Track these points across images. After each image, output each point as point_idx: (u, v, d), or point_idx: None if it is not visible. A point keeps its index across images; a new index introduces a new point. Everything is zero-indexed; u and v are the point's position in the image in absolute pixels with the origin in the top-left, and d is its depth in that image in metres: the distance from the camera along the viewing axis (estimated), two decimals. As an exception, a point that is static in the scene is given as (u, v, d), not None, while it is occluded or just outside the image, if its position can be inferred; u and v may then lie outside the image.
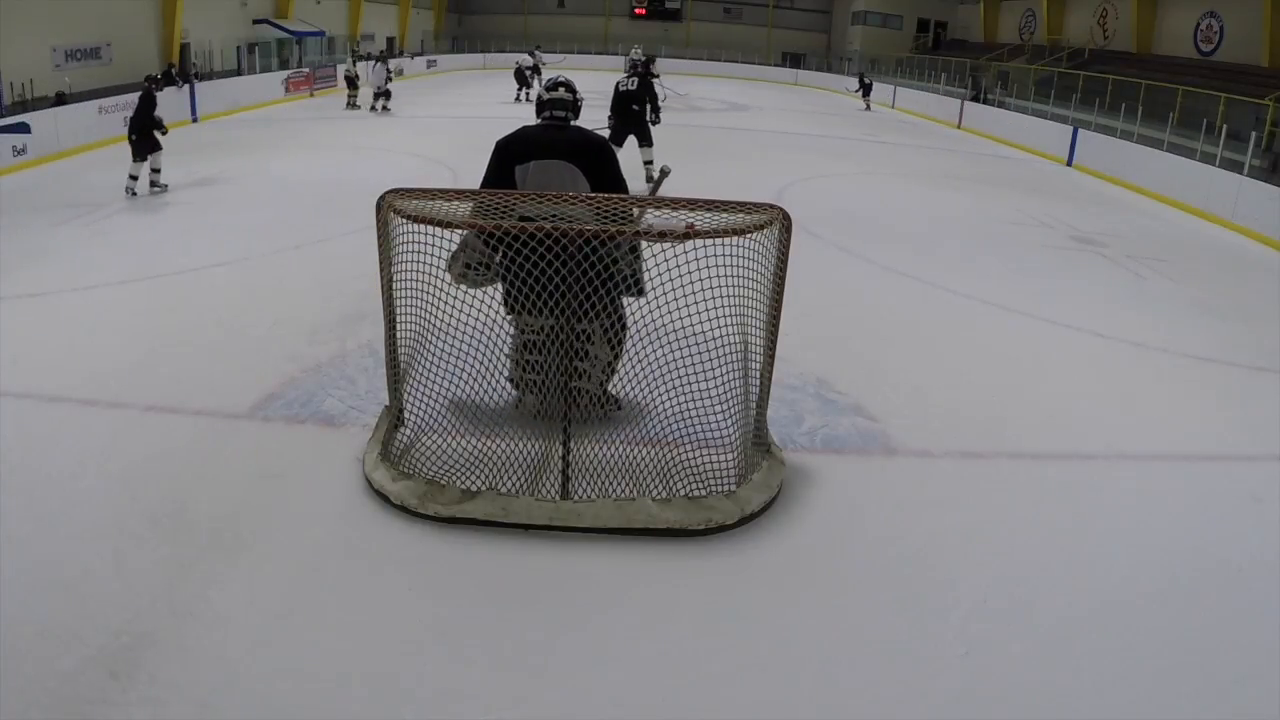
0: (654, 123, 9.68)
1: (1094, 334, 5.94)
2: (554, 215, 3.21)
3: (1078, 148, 15.04)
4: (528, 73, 20.90)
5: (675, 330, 3.39)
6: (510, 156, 3.78)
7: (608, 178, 3.76)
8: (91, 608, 2.77)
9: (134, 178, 9.30)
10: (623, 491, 3.42)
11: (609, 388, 3.84)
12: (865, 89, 24.47)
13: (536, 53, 24.12)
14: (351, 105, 18.15)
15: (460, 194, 3.50)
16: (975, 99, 21.35)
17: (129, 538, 3.15)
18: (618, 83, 9.74)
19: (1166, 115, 14.65)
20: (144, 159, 9.28)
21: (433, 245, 3.27)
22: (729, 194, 3.70)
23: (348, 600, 2.89)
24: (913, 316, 6.12)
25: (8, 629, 2.66)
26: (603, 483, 3.43)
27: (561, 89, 3.94)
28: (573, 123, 3.93)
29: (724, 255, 3.27)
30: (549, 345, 3.35)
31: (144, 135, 9.24)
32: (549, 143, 3.77)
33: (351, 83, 18.53)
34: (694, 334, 3.38)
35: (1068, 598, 3.09)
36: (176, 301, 5.73)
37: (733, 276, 3.33)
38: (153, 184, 9.43)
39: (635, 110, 9.49)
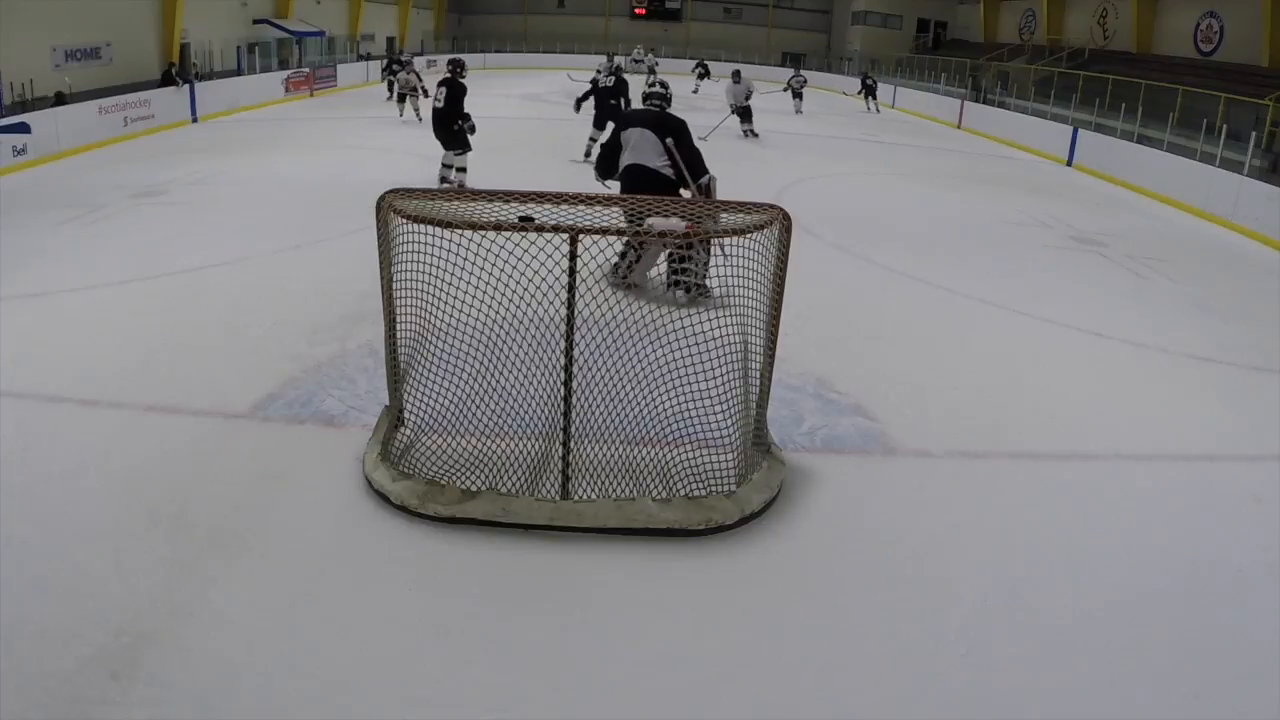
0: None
1: (1094, 334, 5.95)
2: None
3: (1078, 148, 15.03)
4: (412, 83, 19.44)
5: (675, 330, 3.40)
6: (621, 123, 5.89)
7: (684, 145, 5.67)
8: (91, 608, 2.77)
9: (447, 166, 9.13)
10: (623, 491, 3.42)
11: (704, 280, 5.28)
12: (869, 90, 23.32)
13: (623, 59, 20.65)
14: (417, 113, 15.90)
15: (460, 194, 3.51)
16: (975, 99, 21.34)
17: (129, 538, 3.15)
18: (595, 79, 12.44)
19: (1166, 115, 14.65)
20: (460, 151, 9.05)
21: (433, 245, 3.27)
22: (729, 194, 3.72)
23: (348, 600, 2.89)
24: (912, 316, 6.12)
25: (8, 629, 2.66)
26: (603, 483, 3.43)
27: (659, 86, 6.23)
28: (666, 109, 6.05)
29: (724, 255, 3.28)
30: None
31: (449, 128, 8.99)
32: (644, 119, 5.81)
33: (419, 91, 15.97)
34: (694, 334, 3.38)
35: (1068, 598, 3.09)
36: (176, 301, 5.73)
37: (733, 276, 3.33)
38: (443, 179, 9.12)
39: (613, 104, 11.37)
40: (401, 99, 16.36)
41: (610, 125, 11.28)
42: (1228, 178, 11.04)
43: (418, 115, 15.66)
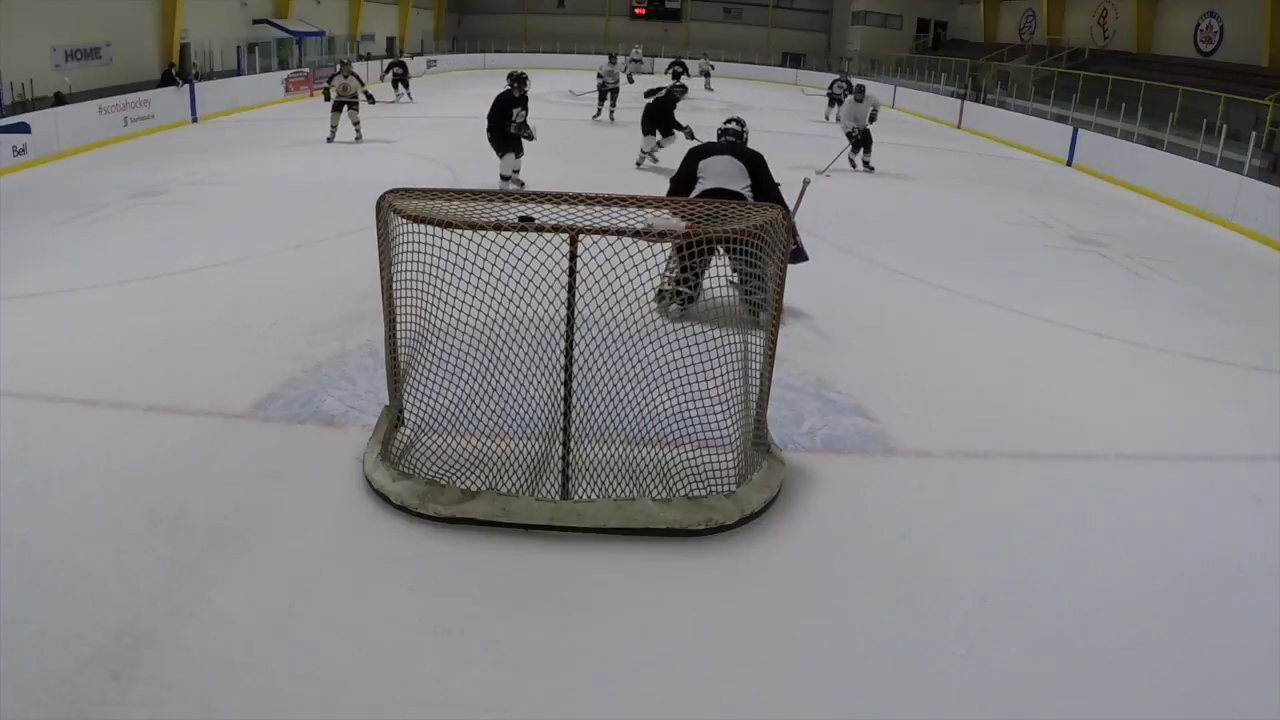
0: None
1: (1094, 334, 5.95)
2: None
3: (1078, 148, 15.03)
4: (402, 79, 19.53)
5: (675, 330, 3.40)
6: (697, 155, 5.71)
7: (764, 176, 5.62)
8: (91, 608, 2.77)
9: (504, 177, 9.01)
10: (623, 491, 3.42)
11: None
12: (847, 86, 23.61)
13: (626, 56, 20.28)
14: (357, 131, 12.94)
15: (460, 194, 3.51)
16: (966, 97, 21.33)
17: (129, 538, 3.15)
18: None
19: (1166, 115, 14.64)
20: (504, 155, 8.93)
21: (433, 245, 3.27)
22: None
23: (348, 600, 2.89)
24: (913, 316, 6.12)
25: (8, 629, 2.66)
26: (603, 483, 3.43)
27: (734, 123, 6.08)
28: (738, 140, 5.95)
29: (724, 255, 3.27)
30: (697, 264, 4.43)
31: (495, 134, 8.91)
32: (723, 149, 5.73)
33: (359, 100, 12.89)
34: (694, 334, 3.38)
35: (1068, 597, 3.09)
36: (176, 301, 5.73)
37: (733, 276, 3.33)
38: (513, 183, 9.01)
39: (663, 115, 11.48)
40: (338, 108, 12.73)
41: (658, 134, 11.53)
42: (1228, 178, 11.04)
43: (357, 131, 12.86)
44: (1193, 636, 2.93)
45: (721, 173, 5.55)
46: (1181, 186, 11.71)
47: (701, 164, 5.64)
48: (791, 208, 5.58)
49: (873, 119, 12.08)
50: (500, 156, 9.03)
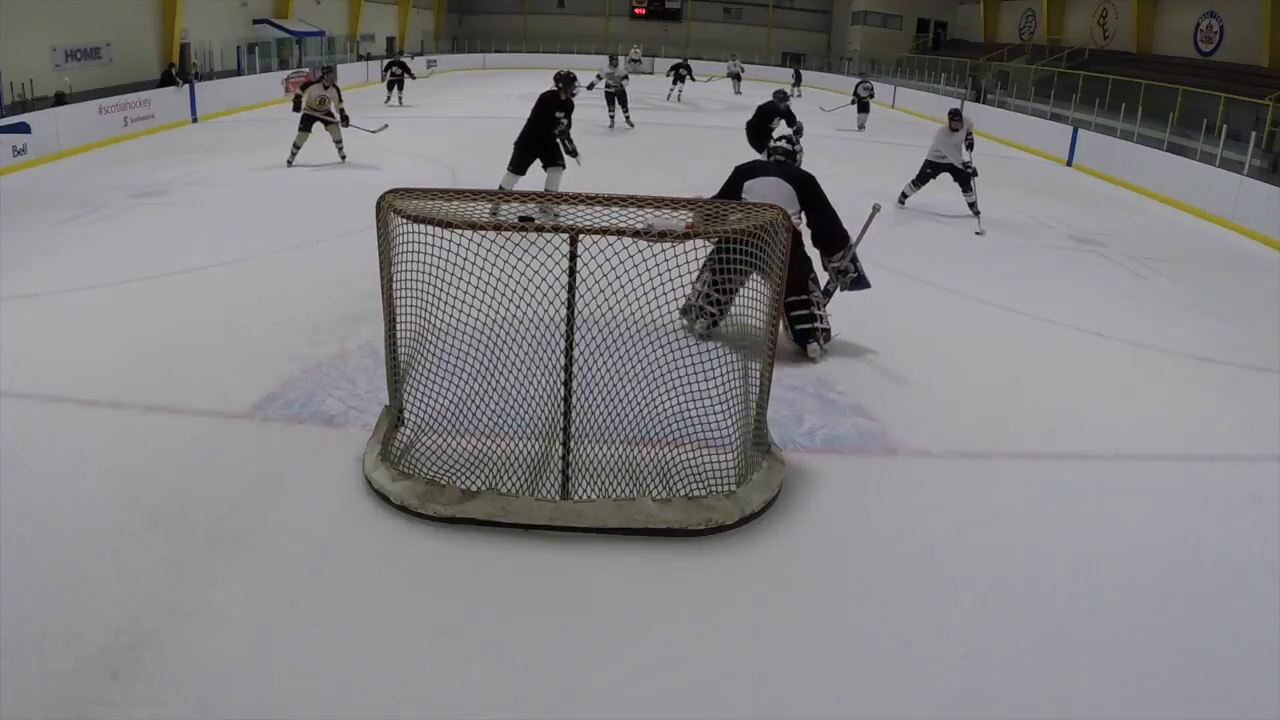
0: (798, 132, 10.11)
1: (1094, 334, 5.94)
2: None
3: (1078, 148, 15.03)
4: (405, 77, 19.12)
5: (675, 330, 3.40)
6: (743, 175, 5.37)
7: (819, 199, 5.21)
8: (91, 608, 2.77)
9: (495, 193, 7.51)
10: (623, 491, 3.42)
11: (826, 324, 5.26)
12: (798, 79, 24.98)
13: (624, 57, 19.03)
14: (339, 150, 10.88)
15: (460, 194, 3.51)
16: (966, 97, 21.38)
17: (129, 538, 3.15)
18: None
19: (1166, 115, 14.65)
20: (511, 169, 7.61)
21: (433, 245, 3.27)
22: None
23: (348, 600, 2.89)
24: (913, 316, 6.11)
25: (8, 629, 2.66)
26: (603, 483, 3.43)
27: (784, 141, 5.77)
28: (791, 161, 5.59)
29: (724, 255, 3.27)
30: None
31: (528, 141, 7.59)
32: (771, 169, 5.37)
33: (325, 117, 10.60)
34: (694, 334, 3.38)
35: (1068, 598, 3.09)
36: (176, 301, 5.73)
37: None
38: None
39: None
40: (307, 125, 10.48)
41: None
42: (1228, 178, 11.04)
43: (340, 152, 10.84)
44: (1193, 636, 2.93)
45: (767, 195, 5.02)
46: (1181, 186, 11.71)
47: (748, 184, 5.24)
48: (855, 235, 5.24)
49: (970, 146, 9.49)
50: (508, 168, 7.65)
